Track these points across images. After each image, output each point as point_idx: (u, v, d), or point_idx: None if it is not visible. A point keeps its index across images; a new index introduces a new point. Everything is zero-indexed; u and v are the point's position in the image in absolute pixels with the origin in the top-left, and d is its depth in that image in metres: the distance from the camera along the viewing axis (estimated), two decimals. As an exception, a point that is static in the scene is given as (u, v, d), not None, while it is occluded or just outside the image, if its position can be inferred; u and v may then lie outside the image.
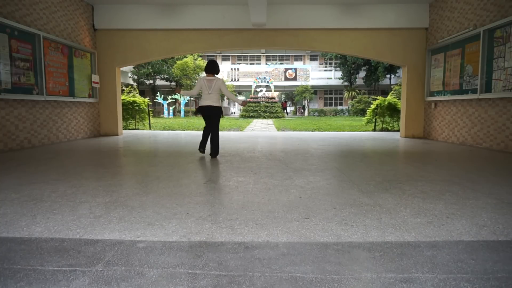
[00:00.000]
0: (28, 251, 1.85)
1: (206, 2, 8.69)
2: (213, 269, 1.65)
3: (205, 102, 5.27)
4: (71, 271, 1.63)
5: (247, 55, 36.24)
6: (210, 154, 5.31)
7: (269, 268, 1.67)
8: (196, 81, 5.88)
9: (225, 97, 33.02)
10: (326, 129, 13.12)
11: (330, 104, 36.01)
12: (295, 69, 33.51)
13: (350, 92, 31.15)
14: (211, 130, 5.32)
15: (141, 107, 12.19)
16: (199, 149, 5.46)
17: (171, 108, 27.03)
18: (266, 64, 35.28)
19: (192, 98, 31.74)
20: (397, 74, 28.84)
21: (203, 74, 29.91)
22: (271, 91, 32.20)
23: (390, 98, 11.90)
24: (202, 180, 3.72)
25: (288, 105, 37.71)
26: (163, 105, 27.04)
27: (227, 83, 31.51)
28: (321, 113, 32.59)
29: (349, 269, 1.65)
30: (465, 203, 2.79)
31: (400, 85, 14.04)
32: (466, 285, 1.51)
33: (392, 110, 11.63)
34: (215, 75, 5.37)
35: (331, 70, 34.50)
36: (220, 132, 5.75)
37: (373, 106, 12.08)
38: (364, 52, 9.24)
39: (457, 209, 2.64)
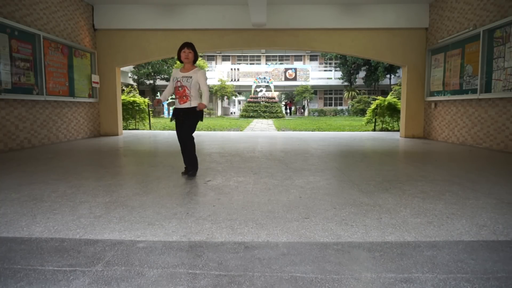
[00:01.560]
0: (28, 251, 1.85)
1: (206, 2, 8.69)
2: (213, 269, 1.65)
3: None
4: (71, 271, 1.63)
5: (247, 55, 36.22)
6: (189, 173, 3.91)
7: (269, 268, 1.67)
8: (203, 74, 3.95)
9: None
10: (326, 129, 13.12)
11: (330, 104, 35.99)
12: (295, 69, 33.48)
13: (350, 92, 31.13)
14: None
15: (141, 107, 12.20)
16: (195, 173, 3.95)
17: (171, 108, 27.01)
18: (266, 64, 35.26)
19: None
20: (397, 74, 28.82)
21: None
22: (271, 91, 32.19)
23: (390, 98, 11.90)
24: (202, 180, 3.72)
25: None
26: (163, 105, 27.04)
27: (227, 83, 31.47)
28: (321, 113, 32.58)
29: (349, 269, 1.65)
30: (465, 203, 2.79)
31: (400, 85, 14.03)
32: (466, 285, 1.51)
33: (392, 110, 11.63)
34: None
35: (331, 70, 34.48)
36: (220, 132, 5.59)
37: (373, 106, 12.08)
38: (364, 52, 9.24)
39: (457, 209, 2.64)
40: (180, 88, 3.77)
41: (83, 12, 8.55)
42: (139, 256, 1.80)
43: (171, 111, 26.56)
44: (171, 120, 3.86)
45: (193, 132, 3.85)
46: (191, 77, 3.76)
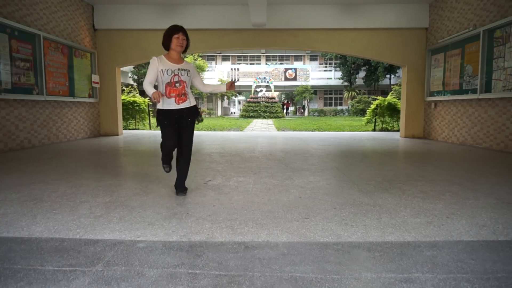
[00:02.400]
0: (28, 251, 1.85)
1: (206, 2, 8.69)
2: (213, 269, 1.65)
3: None
4: (71, 271, 1.63)
5: (247, 55, 36.22)
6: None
7: (269, 268, 1.67)
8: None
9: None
10: (326, 129, 13.12)
11: (330, 104, 35.99)
12: (295, 69, 33.49)
13: (350, 92, 31.15)
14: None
15: (141, 107, 12.21)
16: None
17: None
18: (266, 64, 35.26)
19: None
20: (397, 74, 28.84)
21: (202, 74, 29.82)
22: (271, 91, 32.19)
23: (390, 98, 11.90)
24: (202, 180, 3.72)
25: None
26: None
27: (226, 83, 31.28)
28: (321, 113, 32.60)
29: (349, 269, 1.65)
30: (465, 203, 2.79)
31: (400, 85, 14.03)
32: (466, 285, 1.51)
33: (392, 110, 11.63)
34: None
35: (331, 70, 34.49)
36: (220, 132, 5.42)
37: (373, 106, 12.08)
38: (364, 52, 9.24)
39: (457, 209, 2.64)
40: (177, 84, 2.95)
41: (83, 12, 8.55)
42: (139, 256, 1.80)
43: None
44: (161, 124, 2.98)
45: None
46: (189, 70, 3.05)
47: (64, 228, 2.20)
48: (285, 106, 33.50)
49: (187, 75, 3.03)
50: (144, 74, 27.88)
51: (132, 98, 11.92)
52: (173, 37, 2.97)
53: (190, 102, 3.06)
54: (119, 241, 1.99)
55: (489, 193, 3.11)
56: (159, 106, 2.97)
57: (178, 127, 3.02)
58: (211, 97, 33.94)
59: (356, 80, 31.82)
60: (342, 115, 31.40)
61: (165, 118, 2.96)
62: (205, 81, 32.25)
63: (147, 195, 3.05)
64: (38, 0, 6.89)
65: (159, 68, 2.95)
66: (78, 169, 4.38)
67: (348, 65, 30.39)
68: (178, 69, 2.97)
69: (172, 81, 2.95)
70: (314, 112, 33.33)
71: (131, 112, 11.92)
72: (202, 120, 3.57)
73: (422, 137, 9.12)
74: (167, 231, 2.16)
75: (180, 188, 3.11)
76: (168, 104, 2.96)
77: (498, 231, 2.17)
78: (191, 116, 3.07)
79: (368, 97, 27.24)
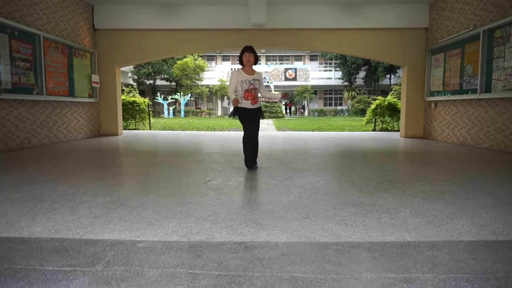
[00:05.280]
0: (28, 251, 1.85)
1: (206, 2, 8.69)
2: (213, 269, 1.65)
3: None
4: (71, 271, 1.63)
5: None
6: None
7: (269, 268, 1.67)
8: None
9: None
10: (326, 129, 13.12)
11: (330, 104, 35.98)
12: (295, 69, 33.48)
13: (350, 92, 31.14)
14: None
15: (141, 107, 12.20)
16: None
17: (171, 108, 27.03)
18: (266, 64, 35.25)
19: (192, 98, 31.60)
20: (397, 74, 28.83)
21: (202, 74, 29.86)
22: (271, 91, 32.17)
23: (390, 98, 11.90)
24: (202, 180, 3.72)
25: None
26: (163, 105, 27.05)
27: (227, 83, 31.33)
28: (321, 113, 32.57)
29: (349, 269, 1.65)
30: (465, 203, 2.79)
31: (400, 85, 14.03)
32: (466, 285, 1.51)
33: (392, 110, 11.63)
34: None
35: (331, 70, 34.47)
36: (220, 132, 5.57)
37: (373, 106, 12.08)
38: (364, 52, 9.24)
39: (457, 209, 2.64)
40: (253, 91, 4.10)
41: (83, 12, 8.55)
42: (139, 256, 1.80)
43: (171, 111, 26.66)
44: (240, 116, 4.16)
45: None
46: (259, 80, 4.14)
47: (64, 228, 2.20)
48: (287, 106, 33.45)
49: (258, 84, 4.14)
50: (144, 74, 27.96)
51: (132, 98, 11.91)
52: (243, 56, 4.07)
53: (259, 104, 4.23)
54: (119, 241, 1.99)
55: (489, 193, 3.11)
56: (238, 105, 4.05)
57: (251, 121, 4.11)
58: (211, 97, 33.94)
59: (356, 80, 31.80)
60: (342, 115, 31.37)
61: (241, 112, 4.11)
62: (207, 81, 32.14)
63: (147, 195, 3.05)
64: (38, 0, 6.89)
65: (238, 79, 4.04)
66: (78, 169, 4.38)
67: (348, 65, 30.37)
68: (253, 79, 4.08)
69: (249, 88, 4.06)
70: (314, 112, 33.32)
71: (131, 112, 11.92)
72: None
73: (422, 137, 9.12)
74: (167, 231, 2.16)
75: (252, 165, 4.28)
76: (245, 104, 4.10)
77: (498, 231, 2.17)
78: (260, 115, 4.28)
79: (368, 97, 27.23)
